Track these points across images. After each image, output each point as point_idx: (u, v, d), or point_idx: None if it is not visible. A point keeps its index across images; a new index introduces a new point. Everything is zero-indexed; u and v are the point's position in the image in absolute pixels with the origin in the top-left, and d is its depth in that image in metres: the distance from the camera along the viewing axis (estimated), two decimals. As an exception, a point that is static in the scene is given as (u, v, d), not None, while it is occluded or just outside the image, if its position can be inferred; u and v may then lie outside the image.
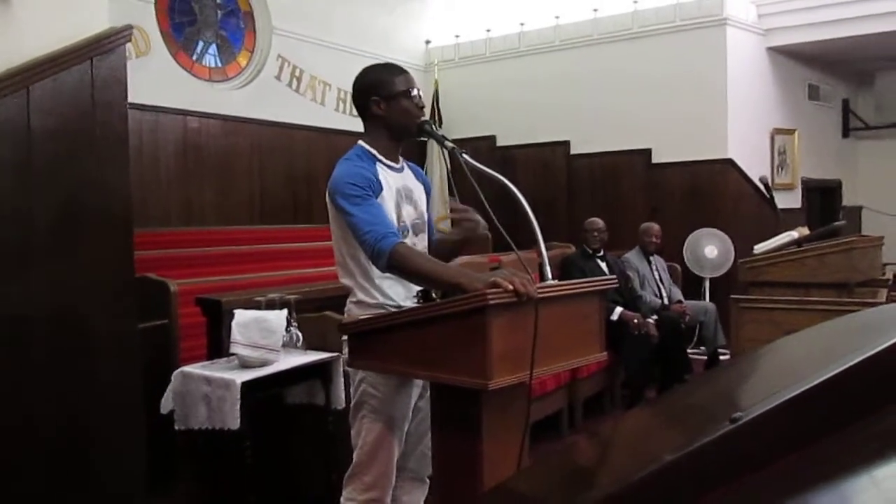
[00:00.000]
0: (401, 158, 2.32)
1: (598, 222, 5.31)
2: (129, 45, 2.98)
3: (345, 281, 2.26)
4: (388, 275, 2.11)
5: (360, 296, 2.21)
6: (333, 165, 2.21)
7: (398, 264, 1.99)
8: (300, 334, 3.07)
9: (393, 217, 2.17)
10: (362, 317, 2.11)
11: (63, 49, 2.70)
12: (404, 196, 2.26)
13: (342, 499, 2.23)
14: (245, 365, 2.82)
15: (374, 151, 2.23)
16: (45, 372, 2.66)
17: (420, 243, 2.29)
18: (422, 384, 2.21)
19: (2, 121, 2.54)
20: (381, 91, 2.21)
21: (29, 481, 2.64)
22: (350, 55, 6.69)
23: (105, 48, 2.82)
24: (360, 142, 2.26)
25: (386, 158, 2.24)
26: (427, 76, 7.78)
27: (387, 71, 2.27)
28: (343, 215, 2.10)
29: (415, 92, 2.22)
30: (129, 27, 2.93)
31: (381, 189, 2.15)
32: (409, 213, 2.26)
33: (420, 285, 2.13)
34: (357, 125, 2.34)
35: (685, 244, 6.46)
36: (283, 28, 6.56)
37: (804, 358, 1.22)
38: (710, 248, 6.39)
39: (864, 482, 0.76)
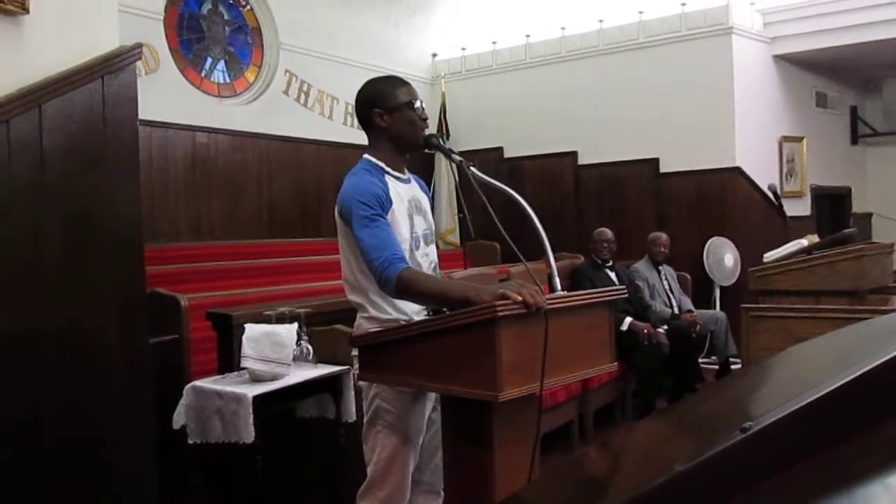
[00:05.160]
0: (406, 170, 2.30)
1: (608, 233, 5.32)
2: (138, 63, 3.01)
3: (353, 298, 2.21)
4: None
5: (372, 312, 2.17)
6: (342, 179, 2.19)
7: (405, 289, 1.99)
8: (311, 348, 3.07)
9: (406, 229, 2.16)
10: (372, 329, 2.11)
11: (74, 68, 2.74)
12: (415, 207, 2.24)
13: (355, 514, 2.22)
14: (256, 379, 2.83)
15: (381, 164, 2.20)
16: (57, 386, 2.68)
17: (431, 253, 2.29)
18: (435, 397, 2.20)
19: (15, 139, 2.57)
20: (383, 103, 2.18)
21: (41, 494, 2.65)
22: (357, 69, 6.72)
23: (115, 66, 2.85)
24: (366, 155, 2.24)
25: (393, 170, 2.22)
26: (434, 89, 7.82)
27: (389, 83, 2.25)
28: (352, 235, 2.09)
29: (418, 104, 2.19)
30: (139, 45, 2.96)
31: (392, 204, 2.12)
32: (419, 223, 2.25)
33: (430, 305, 2.13)
34: (365, 138, 2.34)
35: (705, 251, 6.43)
36: (291, 43, 6.61)
37: (815, 366, 1.22)
38: (729, 257, 6.37)
39: (877, 490, 0.76)
